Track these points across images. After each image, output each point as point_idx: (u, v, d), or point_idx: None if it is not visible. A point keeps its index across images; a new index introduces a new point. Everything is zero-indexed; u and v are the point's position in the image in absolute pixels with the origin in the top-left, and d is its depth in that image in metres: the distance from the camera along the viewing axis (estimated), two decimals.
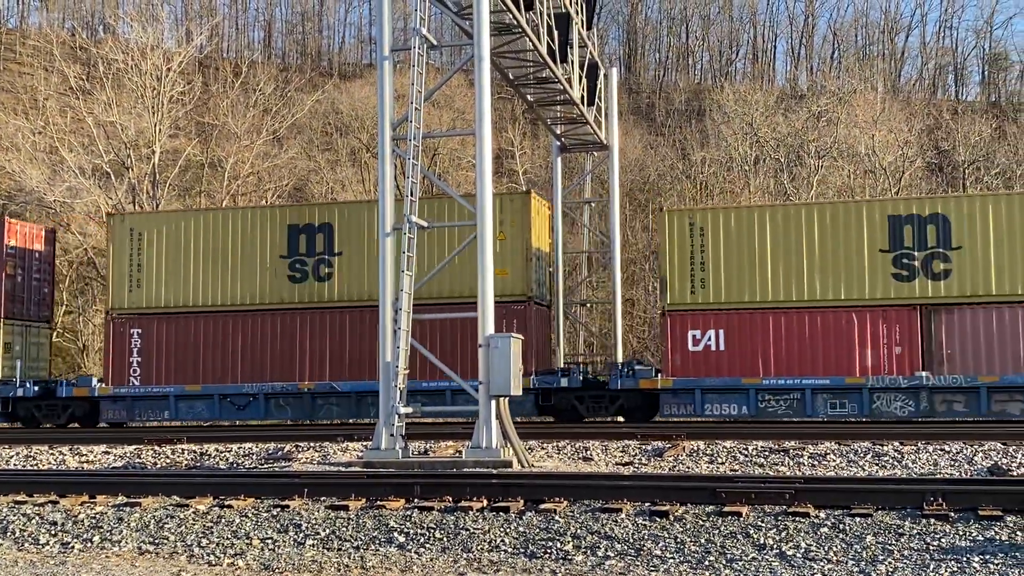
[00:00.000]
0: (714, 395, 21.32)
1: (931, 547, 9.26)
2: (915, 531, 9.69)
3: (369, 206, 23.32)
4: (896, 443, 15.60)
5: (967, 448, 15.05)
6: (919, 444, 15.45)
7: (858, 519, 10.09)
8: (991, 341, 20.55)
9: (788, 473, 13.75)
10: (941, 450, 15.00)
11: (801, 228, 21.48)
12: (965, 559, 8.86)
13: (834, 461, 14.64)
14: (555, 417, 22.46)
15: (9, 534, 11.30)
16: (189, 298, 23.45)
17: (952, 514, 10.00)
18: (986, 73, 74.84)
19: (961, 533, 9.59)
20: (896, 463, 14.39)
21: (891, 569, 8.73)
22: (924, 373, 20.60)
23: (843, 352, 21.03)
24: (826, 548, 9.39)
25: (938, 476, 13.16)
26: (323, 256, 22.96)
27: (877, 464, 14.40)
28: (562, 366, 24.00)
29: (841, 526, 9.95)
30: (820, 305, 21.26)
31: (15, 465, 16.90)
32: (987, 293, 20.67)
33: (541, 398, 21.93)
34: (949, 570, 8.60)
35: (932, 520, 9.93)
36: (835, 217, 21.47)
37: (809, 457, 14.91)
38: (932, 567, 8.71)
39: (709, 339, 21.60)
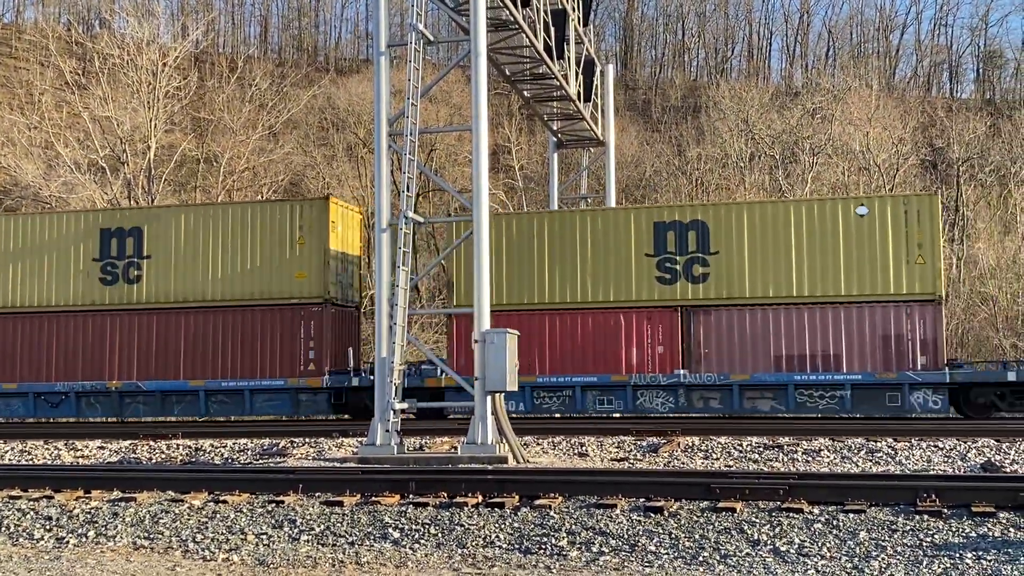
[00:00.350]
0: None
1: (924, 543, 9.29)
2: (908, 527, 9.72)
3: (176, 211, 24.28)
4: (890, 439, 15.63)
5: (960, 445, 15.09)
6: (913, 441, 15.49)
7: (852, 515, 10.12)
8: (744, 341, 21.31)
9: (782, 469, 13.80)
10: (935, 447, 15.04)
11: (576, 233, 22.21)
12: (958, 555, 8.89)
13: (828, 457, 14.68)
14: (351, 415, 22.81)
15: (4, 529, 11.30)
16: (8, 299, 24.07)
17: (945, 510, 10.03)
18: (981, 71, 74.97)
19: (954, 529, 9.61)
20: (890, 459, 14.43)
21: (884, 565, 8.76)
22: (683, 371, 21.41)
23: (611, 351, 21.79)
24: (820, 544, 9.42)
25: (931, 473, 13.20)
26: (132, 259, 23.56)
27: (871, 460, 14.45)
28: (354, 366, 23.76)
29: (835, 522, 9.98)
30: (591, 307, 22.02)
31: (10, 460, 16.90)
32: (741, 296, 21.42)
33: (334, 397, 22.40)
34: (942, 566, 8.63)
35: (925, 516, 9.95)
36: (606, 223, 22.24)
37: (803, 453, 14.95)
38: (925, 563, 8.74)
39: None
